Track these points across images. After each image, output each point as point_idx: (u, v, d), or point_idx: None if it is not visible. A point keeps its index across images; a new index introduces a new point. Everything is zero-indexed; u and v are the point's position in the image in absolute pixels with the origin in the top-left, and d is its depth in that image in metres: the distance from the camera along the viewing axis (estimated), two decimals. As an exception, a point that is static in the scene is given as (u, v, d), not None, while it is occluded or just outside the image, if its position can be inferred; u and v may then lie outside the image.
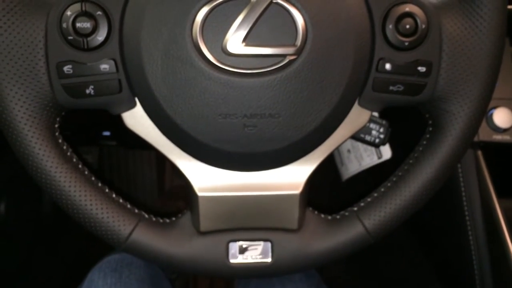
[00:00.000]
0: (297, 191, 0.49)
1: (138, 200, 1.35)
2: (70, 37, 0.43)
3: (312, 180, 0.50)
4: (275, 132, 0.45)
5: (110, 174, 1.34)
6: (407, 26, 0.45)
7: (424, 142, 0.50)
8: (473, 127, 0.48)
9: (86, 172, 0.47)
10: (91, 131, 1.02)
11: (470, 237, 0.71)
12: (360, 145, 0.87)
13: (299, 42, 0.43)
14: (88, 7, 0.43)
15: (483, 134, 0.69)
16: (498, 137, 0.69)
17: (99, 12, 0.43)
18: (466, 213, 0.72)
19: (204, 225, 0.49)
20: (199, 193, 0.48)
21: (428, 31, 0.45)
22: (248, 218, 0.49)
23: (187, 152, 0.48)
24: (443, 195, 0.71)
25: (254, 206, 0.49)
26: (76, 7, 0.43)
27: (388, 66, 0.46)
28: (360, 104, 0.48)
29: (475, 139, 0.69)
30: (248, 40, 0.43)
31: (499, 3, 0.45)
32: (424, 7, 0.46)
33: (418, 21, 0.45)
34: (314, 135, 0.46)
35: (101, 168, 1.33)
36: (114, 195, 0.48)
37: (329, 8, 0.44)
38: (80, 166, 0.47)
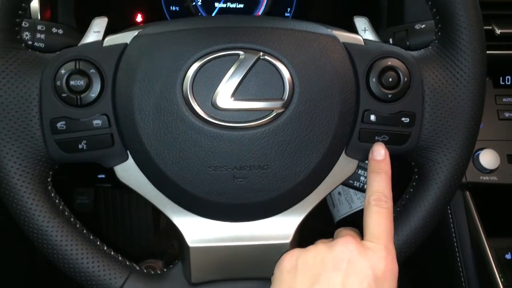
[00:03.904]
0: (287, 240, 0.49)
1: (134, 240, 1.35)
2: (63, 95, 0.44)
3: (303, 227, 0.51)
4: (264, 183, 0.46)
5: (105, 214, 1.34)
6: (390, 79, 0.47)
7: (411, 190, 0.51)
8: (458, 175, 0.49)
9: (78, 225, 0.48)
10: (86, 174, 1.03)
11: (462, 278, 0.72)
12: (350, 187, 0.88)
13: (286, 96, 0.44)
14: (82, 65, 0.45)
15: (471, 176, 0.70)
16: (485, 178, 0.70)
17: (92, 70, 0.45)
18: (458, 254, 0.72)
19: (195, 276, 0.49)
20: (190, 244, 0.48)
21: (410, 83, 0.47)
22: (240, 268, 0.50)
23: (178, 204, 0.48)
24: (435, 237, 0.71)
25: (245, 256, 0.49)
26: (70, 65, 0.45)
27: (373, 117, 0.47)
28: (347, 154, 0.49)
29: (463, 180, 0.70)
30: (237, 94, 0.44)
31: (479, 57, 0.47)
32: (405, 61, 0.47)
33: (400, 74, 0.47)
34: (303, 185, 0.47)
35: (97, 208, 1.33)
36: (105, 247, 0.49)
37: (315, 63, 0.45)
38: (72, 219, 0.47)
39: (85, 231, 0.48)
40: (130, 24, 0.83)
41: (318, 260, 0.43)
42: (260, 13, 0.86)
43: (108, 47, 0.46)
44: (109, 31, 0.49)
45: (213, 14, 0.85)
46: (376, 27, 0.55)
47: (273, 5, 0.85)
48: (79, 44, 0.48)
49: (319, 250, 0.44)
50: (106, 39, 0.47)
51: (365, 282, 0.41)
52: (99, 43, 0.47)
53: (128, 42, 0.46)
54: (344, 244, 0.43)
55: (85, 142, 0.45)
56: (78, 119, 0.45)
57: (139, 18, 0.85)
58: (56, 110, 0.45)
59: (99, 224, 1.31)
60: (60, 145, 0.45)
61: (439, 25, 0.49)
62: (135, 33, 0.47)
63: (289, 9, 0.87)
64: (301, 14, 0.86)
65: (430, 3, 0.48)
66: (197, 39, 0.45)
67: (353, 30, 0.51)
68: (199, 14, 0.85)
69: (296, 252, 0.45)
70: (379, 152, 0.48)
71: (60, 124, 0.45)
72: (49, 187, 0.47)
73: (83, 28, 0.49)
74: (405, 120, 0.47)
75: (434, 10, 0.48)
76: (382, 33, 0.64)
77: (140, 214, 1.34)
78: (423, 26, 0.62)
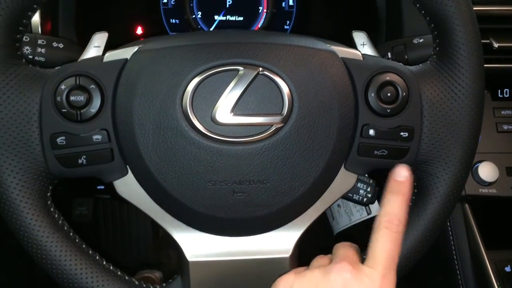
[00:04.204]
0: (287, 254, 0.49)
1: (133, 251, 1.34)
2: (64, 110, 0.45)
3: (303, 240, 0.51)
4: (264, 198, 0.46)
5: (104, 225, 1.34)
6: (389, 94, 0.47)
7: (410, 204, 0.51)
8: (457, 189, 0.49)
9: (77, 240, 0.48)
10: (85, 185, 1.03)
11: (462, 292, 0.72)
12: (350, 200, 0.88)
13: (285, 111, 0.45)
14: (82, 81, 0.45)
15: (470, 188, 0.70)
16: (484, 191, 0.70)
17: (92, 86, 0.45)
18: (457, 267, 0.72)
19: None
20: (190, 259, 0.48)
21: (409, 98, 0.47)
22: (239, 282, 0.50)
23: (177, 219, 0.48)
24: (434, 250, 0.71)
25: (245, 271, 0.49)
26: (70, 81, 0.45)
27: (372, 131, 0.47)
28: (347, 168, 0.49)
29: (462, 193, 0.70)
30: (236, 109, 0.44)
31: (477, 72, 0.47)
32: (404, 76, 0.48)
33: (399, 89, 0.47)
34: (302, 199, 0.47)
35: (96, 219, 1.32)
36: (104, 262, 0.49)
37: (314, 78, 0.46)
38: (71, 234, 0.47)
39: (84, 246, 0.48)
40: (130, 37, 0.84)
41: (312, 287, 0.42)
42: (259, 26, 0.86)
43: (108, 63, 0.46)
44: (109, 43, 0.49)
45: (212, 27, 0.86)
46: (375, 41, 0.55)
47: (272, 19, 0.86)
48: (79, 60, 0.48)
49: (314, 276, 0.43)
50: (106, 54, 0.47)
51: None
52: (99, 58, 0.47)
53: (128, 57, 0.47)
54: (339, 272, 0.42)
55: (85, 157, 0.45)
56: (78, 134, 0.45)
57: (139, 31, 0.85)
58: (56, 126, 0.45)
59: (98, 234, 1.30)
60: (59, 160, 0.45)
61: (437, 40, 0.49)
62: (135, 48, 0.47)
63: (288, 22, 0.87)
64: (300, 27, 0.87)
65: (428, 18, 0.48)
66: (197, 55, 0.45)
67: (352, 44, 0.51)
68: (199, 26, 0.85)
69: (292, 276, 0.44)
70: (401, 173, 0.46)
71: (60, 139, 0.45)
72: (49, 202, 0.47)
73: (84, 42, 0.50)
74: (404, 134, 0.48)
75: (432, 25, 0.49)
76: (381, 47, 0.65)
77: (140, 225, 1.33)
78: (421, 40, 0.63)
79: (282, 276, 0.44)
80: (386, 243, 0.44)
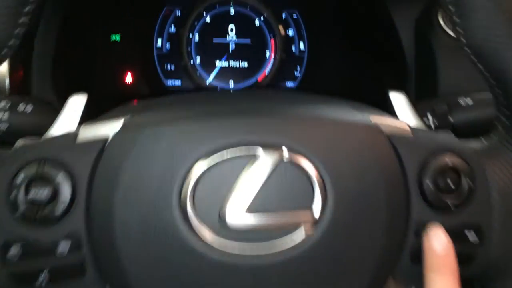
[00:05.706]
0: None
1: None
2: (21, 209, 0.34)
3: None
4: None
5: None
6: (449, 182, 0.37)
7: None
8: None
9: None
10: None
11: None
12: None
13: (317, 208, 0.34)
14: (47, 169, 0.34)
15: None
16: None
17: (60, 175, 0.34)
18: None
19: None
20: None
21: (475, 187, 0.38)
22: None
23: None
24: None
25: None
26: (31, 169, 0.34)
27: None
28: (396, 280, 0.38)
29: None
30: (251, 206, 0.33)
31: None
32: (466, 157, 0.38)
33: (461, 175, 0.37)
34: None
35: None
36: None
37: (353, 163, 0.35)
38: None
39: None
40: (118, 86, 0.73)
41: None
42: (266, 73, 0.76)
43: (83, 144, 0.36)
44: (93, 93, 0.41)
45: (213, 74, 0.76)
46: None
47: (281, 65, 0.76)
48: (45, 136, 0.38)
49: None
50: (82, 129, 0.37)
51: None
52: (71, 137, 0.36)
53: (110, 135, 0.36)
54: None
55: (46, 273, 0.34)
56: (39, 242, 0.34)
57: (129, 78, 0.75)
58: (9, 231, 0.34)
59: None
60: (11, 279, 0.34)
61: (505, 110, 0.39)
62: (120, 122, 0.37)
63: (298, 67, 0.77)
64: (312, 74, 0.78)
65: (494, 83, 0.38)
66: (201, 136, 0.34)
67: (385, 104, 0.42)
68: (197, 73, 0.76)
69: None
70: (440, 241, 0.35)
71: (14, 250, 0.34)
72: None
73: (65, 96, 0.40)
74: (470, 235, 0.37)
75: (498, 91, 0.38)
76: (419, 107, 0.55)
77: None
78: (470, 102, 0.52)
79: None
80: None
